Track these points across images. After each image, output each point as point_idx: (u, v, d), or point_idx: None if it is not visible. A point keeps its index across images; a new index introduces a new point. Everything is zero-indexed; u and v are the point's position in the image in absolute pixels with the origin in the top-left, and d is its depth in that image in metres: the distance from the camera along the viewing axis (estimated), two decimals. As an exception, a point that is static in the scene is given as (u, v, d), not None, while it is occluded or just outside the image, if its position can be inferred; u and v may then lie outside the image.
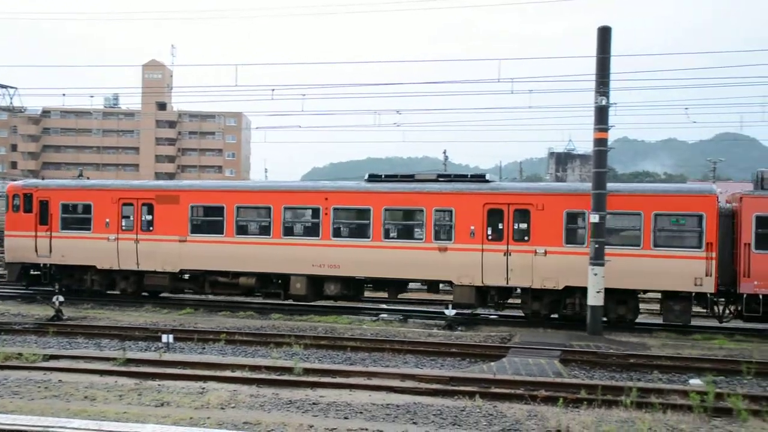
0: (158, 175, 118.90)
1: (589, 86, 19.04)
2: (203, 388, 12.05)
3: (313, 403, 11.15)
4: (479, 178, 21.85)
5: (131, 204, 23.81)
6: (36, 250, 24.46)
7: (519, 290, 20.94)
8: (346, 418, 10.39)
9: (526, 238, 20.35)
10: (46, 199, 24.62)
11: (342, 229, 22.36)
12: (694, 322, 20.49)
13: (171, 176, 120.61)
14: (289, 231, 22.60)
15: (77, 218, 24.45)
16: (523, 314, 21.31)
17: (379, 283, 22.98)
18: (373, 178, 22.49)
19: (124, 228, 23.82)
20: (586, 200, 19.07)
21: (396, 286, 22.45)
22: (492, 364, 14.53)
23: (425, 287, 23.28)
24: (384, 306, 24.18)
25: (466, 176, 22.17)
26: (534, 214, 20.32)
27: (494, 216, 20.64)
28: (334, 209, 21.94)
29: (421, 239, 21.31)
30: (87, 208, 24.29)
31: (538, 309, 20.56)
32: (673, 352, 16.47)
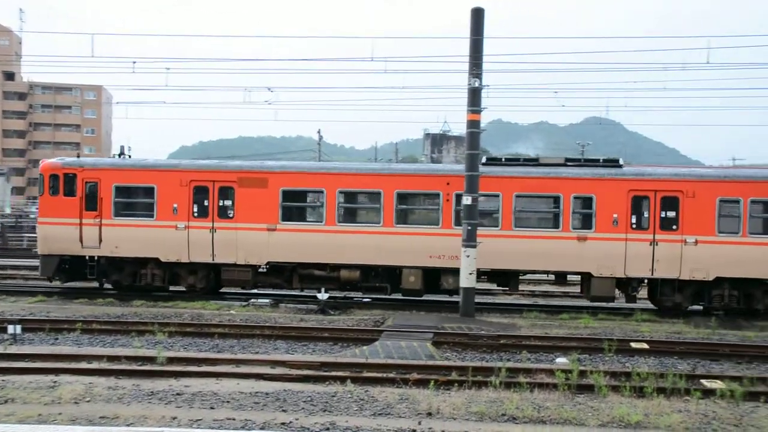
0: (6, 152, 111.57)
1: (464, 67, 19.41)
2: (55, 382, 11.44)
3: (177, 394, 10.85)
4: (613, 162, 21.11)
5: (206, 187, 21.40)
6: (81, 241, 21.61)
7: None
8: (212, 408, 10.19)
9: (674, 226, 20.03)
10: (95, 180, 21.79)
11: None
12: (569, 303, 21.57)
13: (21, 153, 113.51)
14: (402, 218, 21.05)
15: (136, 203, 21.89)
16: (654, 307, 21.18)
17: (496, 275, 21.43)
18: (492, 161, 21.43)
19: (196, 215, 21.51)
20: (742, 187, 19.58)
21: (516, 276, 21.45)
22: (365, 348, 14.68)
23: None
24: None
25: (597, 160, 21.37)
26: (684, 202, 19.98)
27: (639, 203, 20.21)
28: (457, 195, 20.34)
29: (558, 228, 20.46)
30: (149, 192, 21.65)
31: (680, 301, 20.43)
32: (541, 332, 17.25)
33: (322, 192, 21.12)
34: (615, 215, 20.10)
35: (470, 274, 18.90)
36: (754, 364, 14.37)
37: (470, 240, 18.87)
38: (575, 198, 20.35)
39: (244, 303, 21.08)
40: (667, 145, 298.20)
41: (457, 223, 20.26)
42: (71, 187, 21.75)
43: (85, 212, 21.66)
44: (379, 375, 12.30)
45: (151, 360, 12.94)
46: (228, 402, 10.50)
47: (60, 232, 21.59)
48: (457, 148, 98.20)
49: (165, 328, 16.05)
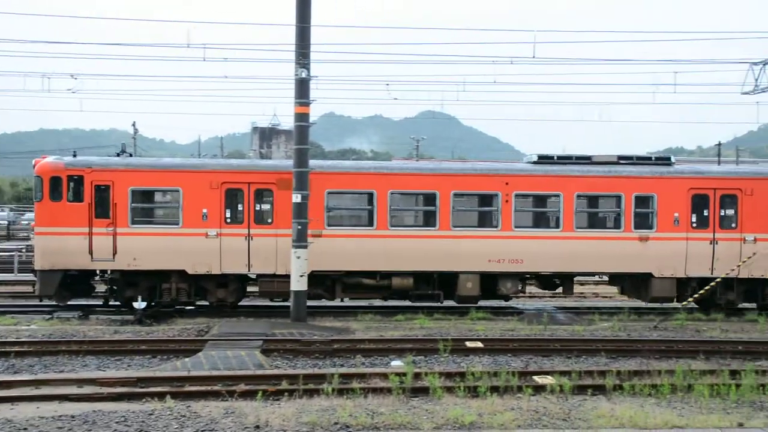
0: None
1: (291, 57, 19.37)
2: None
3: (-36, 424, 10.06)
4: (665, 160, 21.58)
5: (240, 190, 20.12)
6: (91, 253, 19.60)
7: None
8: (6, 437, 9.53)
9: (733, 225, 20.78)
10: (107, 183, 19.79)
11: (525, 218, 21.16)
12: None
13: None
14: (459, 221, 20.63)
15: (157, 209, 20.47)
16: (697, 306, 21.52)
17: (547, 279, 21.57)
18: (544, 159, 21.37)
19: (229, 221, 20.05)
20: None
21: (571, 279, 21.57)
22: (187, 360, 14.30)
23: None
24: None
25: (649, 158, 21.75)
26: (742, 200, 20.75)
27: (699, 202, 20.75)
28: (516, 195, 20.48)
29: (619, 228, 20.73)
30: (173, 196, 20.10)
31: (733, 299, 21.10)
32: (376, 334, 17.61)
33: (372, 194, 20.49)
34: (676, 214, 20.85)
35: (301, 276, 18.92)
36: (582, 358, 15.45)
37: (301, 240, 18.89)
38: (636, 197, 20.91)
39: (47, 316, 19.89)
40: (502, 140, 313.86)
41: (518, 224, 20.63)
42: (77, 191, 19.82)
43: (96, 220, 19.79)
44: (203, 388, 12.05)
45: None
46: (25, 429, 9.85)
47: (64, 244, 19.55)
48: (288, 142, 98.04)
49: (-50, 349, 14.83)
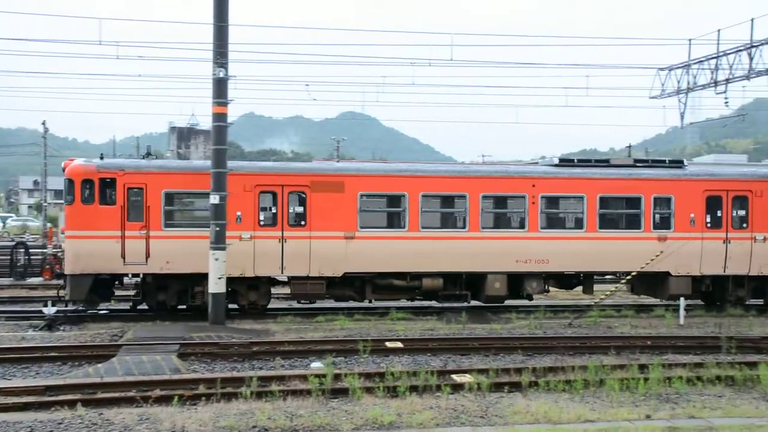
0: None
1: (209, 56, 19.09)
2: None
3: None
4: (677, 163, 22.90)
5: (273, 192, 20.21)
6: (123, 257, 19.38)
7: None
8: None
9: (744, 225, 22.04)
10: (140, 186, 19.63)
11: (551, 219, 21.80)
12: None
13: None
14: (487, 222, 21.15)
15: (190, 212, 20.50)
16: (701, 302, 22.88)
17: (566, 279, 22.32)
18: (565, 162, 22.46)
19: (262, 223, 20.05)
20: None
21: (591, 278, 22.48)
22: (100, 366, 13.90)
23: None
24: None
25: (663, 161, 22.94)
26: (753, 201, 21.99)
27: (713, 203, 21.88)
28: (543, 197, 21.21)
29: (640, 228, 21.55)
30: (207, 199, 19.26)
31: (743, 296, 22.41)
32: (296, 336, 17.52)
33: (404, 196, 20.80)
34: (692, 215, 21.88)
35: (219, 278, 18.67)
36: (500, 356, 15.72)
37: (219, 242, 18.62)
38: (655, 198, 21.81)
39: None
40: (422, 141, 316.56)
41: (544, 225, 21.37)
42: (110, 194, 19.59)
43: (128, 223, 19.56)
44: (117, 395, 11.72)
45: None
46: (-74, 442, 9.42)
47: (95, 247, 19.23)
48: (207, 142, 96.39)
49: None
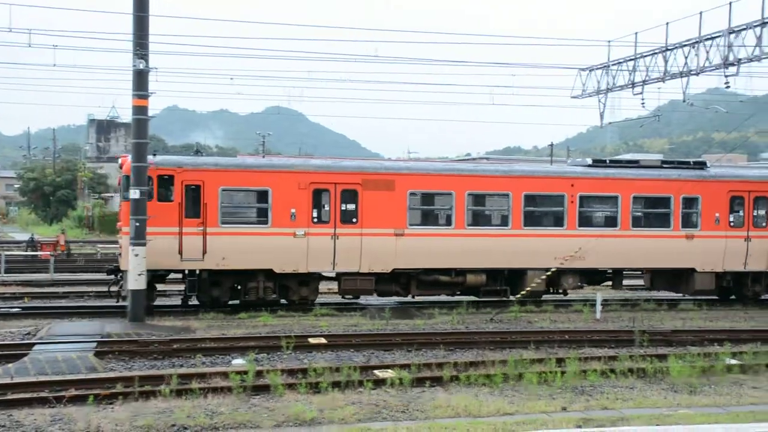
0: None
1: (130, 47, 18.66)
2: None
3: None
4: (701, 164, 24.01)
5: (326, 190, 20.57)
6: (181, 253, 19.51)
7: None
8: None
9: (764, 224, 23.26)
10: (198, 183, 19.76)
11: (588, 217, 22.42)
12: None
13: None
14: (529, 221, 21.80)
15: (246, 209, 20.60)
16: (716, 298, 24.21)
17: (594, 274, 23.11)
18: (598, 162, 23.60)
19: (316, 220, 20.33)
20: None
21: (620, 274, 23.40)
22: (10, 365, 13.47)
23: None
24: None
25: (688, 162, 24.21)
26: None
27: (735, 203, 23.12)
28: (581, 197, 22.05)
29: (669, 227, 22.56)
30: (262, 196, 20.21)
31: (759, 290, 23.59)
32: (218, 333, 17.34)
33: (451, 194, 21.39)
34: (717, 214, 22.93)
35: (139, 275, 18.31)
36: (422, 351, 15.86)
37: (139, 238, 18.26)
38: (684, 198, 22.77)
39: None
40: (349, 137, 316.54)
41: (581, 224, 22.13)
42: (168, 191, 19.69)
43: (186, 219, 19.67)
44: (28, 395, 11.38)
45: None
46: None
47: (153, 244, 18.89)
48: (128, 135, 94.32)
49: None
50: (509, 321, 20.16)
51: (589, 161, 24.06)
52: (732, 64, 23.57)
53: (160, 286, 21.30)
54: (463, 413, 10.92)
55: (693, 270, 22.92)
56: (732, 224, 23.26)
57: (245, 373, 12.33)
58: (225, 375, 12.58)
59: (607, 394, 12.26)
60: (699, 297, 24.22)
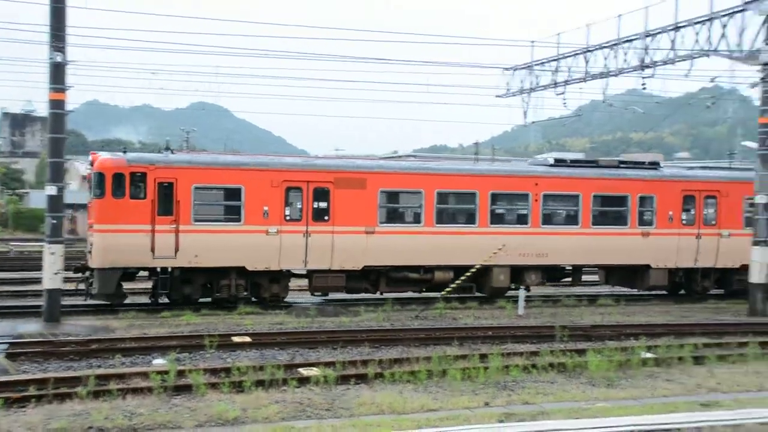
0: None
1: (46, 38, 18.14)
2: None
3: None
4: (654, 164, 25.00)
5: (299, 188, 20.66)
6: (153, 250, 19.41)
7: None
8: None
9: (713, 222, 24.11)
10: (171, 180, 19.61)
11: (550, 215, 22.93)
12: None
13: None
14: (494, 219, 22.33)
15: (219, 206, 20.55)
16: (684, 292, 25.09)
17: (554, 271, 23.72)
18: (560, 162, 24.32)
19: (288, 218, 20.32)
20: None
21: (580, 271, 24.17)
22: None
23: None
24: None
25: (642, 163, 25.18)
26: (720, 200, 23.98)
27: (687, 201, 23.87)
28: (544, 195, 22.53)
29: (626, 225, 23.31)
30: (235, 193, 20.22)
31: (708, 286, 24.41)
32: (139, 332, 16.96)
33: (420, 193, 21.75)
34: (671, 213, 23.67)
35: (56, 273, 17.80)
36: (347, 349, 15.84)
37: (56, 236, 17.79)
38: (640, 197, 23.52)
39: None
40: (274, 133, 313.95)
41: (545, 222, 22.69)
42: (140, 188, 19.45)
43: (158, 217, 19.50)
44: (-65, 400, 10.91)
45: None
46: None
47: (125, 241, 19.15)
48: (44, 130, 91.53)
49: None
50: (434, 318, 20.33)
51: (551, 161, 24.87)
52: (648, 66, 24.42)
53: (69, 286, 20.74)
54: (387, 410, 10.96)
55: (648, 266, 23.76)
56: (684, 222, 24.15)
57: (166, 372, 12.10)
58: (145, 375, 12.33)
59: (528, 389, 12.48)
60: (652, 293, 25.36)
